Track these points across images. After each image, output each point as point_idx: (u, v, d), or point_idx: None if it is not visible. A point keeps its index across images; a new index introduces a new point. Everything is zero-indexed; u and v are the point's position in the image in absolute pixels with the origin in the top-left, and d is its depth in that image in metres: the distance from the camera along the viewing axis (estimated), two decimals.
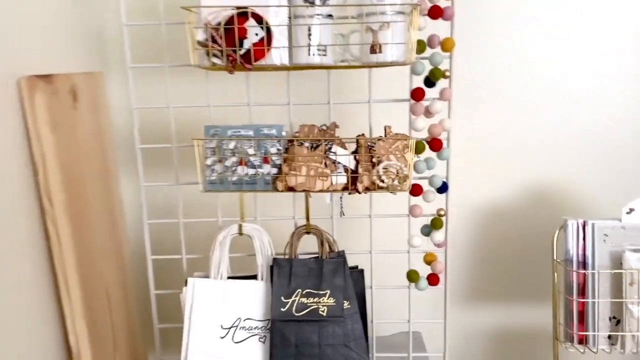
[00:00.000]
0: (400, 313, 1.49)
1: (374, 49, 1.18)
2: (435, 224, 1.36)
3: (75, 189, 1.28)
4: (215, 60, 1.20)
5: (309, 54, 1.17)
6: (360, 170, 1.24)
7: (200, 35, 1.18)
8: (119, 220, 1.55)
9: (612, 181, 1.67)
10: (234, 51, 1.17)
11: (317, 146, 1.24)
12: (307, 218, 1.37)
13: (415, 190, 1.31)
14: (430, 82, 1.31)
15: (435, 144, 1.30)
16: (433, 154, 1.33)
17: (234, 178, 1.26)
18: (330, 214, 1.41)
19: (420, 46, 1.24)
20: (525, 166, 1.67)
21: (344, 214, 1.33)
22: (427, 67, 1.29)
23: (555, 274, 1.49)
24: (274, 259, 1.34)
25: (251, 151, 1.25)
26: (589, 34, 1.58)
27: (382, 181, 1.24)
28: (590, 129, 1.63)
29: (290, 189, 1.25)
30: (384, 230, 1.43)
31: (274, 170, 1.26)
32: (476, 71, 1.60)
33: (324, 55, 1.18)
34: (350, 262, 1.37)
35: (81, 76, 1.37)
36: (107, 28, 1.59)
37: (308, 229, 1.37)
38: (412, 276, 1.39)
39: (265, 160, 1.25)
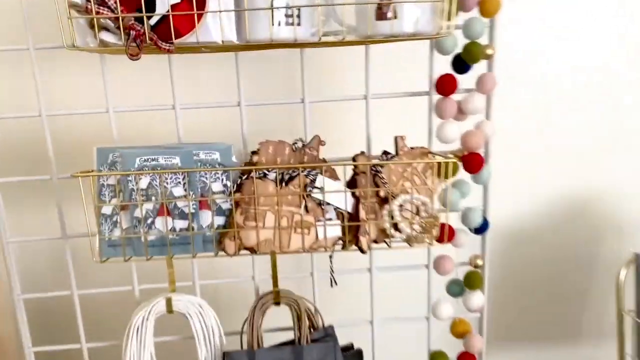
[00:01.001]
0: None
1: (383, 12, 0.69)
2: (471, 280, 0.89)
3: None
4: (105, 36, 0.68)
5: (273, 24, 0.67)
6: (362, 212, 0.76)
7: None
8: None
9: None
10: (139, 21, 0.66)
11: (292, 179, 0.74)
12: (275, 281, 0.87)
13: (447, 235, 0.84)
14: (461, 64, 0.82)
15: (473, 162, 0.83)
16: (465, 175, 0.86)
17: (152, 237, 0.75)
18: (310, 270, 0.92)
19: (452, 7, 0.75)
20: (556, 176, 1.23)
21: (335, 283, 0.84)
22: (459, 42, 0.81)
23: (622, 326, 1.07)
24: (226, 354, 0.85)
25: (178, 191, 0.74)
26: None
27: (399, 229, 0.76)
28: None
29: (249, 250, 0.76)
30: (390, 288, 0.95)
31: (220, 221, 0.76)
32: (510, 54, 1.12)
33: (297, 25, 0.68)
34: (342, 338, 0.90)
35: None
36: None
37: (277, 299, 0.88)
38: None
39: (204, 205, 0.75)
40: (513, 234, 1.27)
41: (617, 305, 1.06)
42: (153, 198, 0.73)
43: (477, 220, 0.86)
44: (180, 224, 0.74)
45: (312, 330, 0.89)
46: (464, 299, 0.91)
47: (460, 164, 0.83)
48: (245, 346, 0.87)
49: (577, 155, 1.21)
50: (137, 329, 0.85)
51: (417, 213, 0.79)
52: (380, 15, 0.69)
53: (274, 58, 0.99)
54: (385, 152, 0.82)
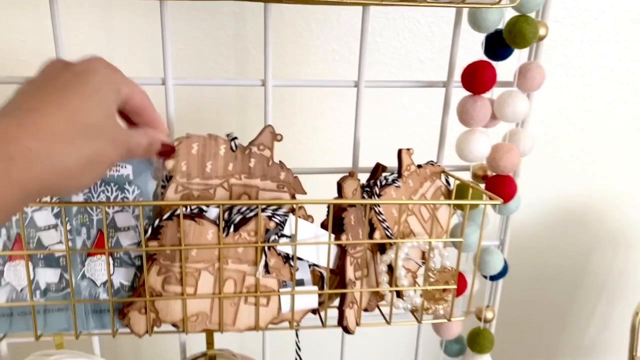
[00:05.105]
0: None
1: None
2: (480, 342, 0.66)
3: None
4: None
5: None
6: (349, 270, 0.49)
7: None
8: None
9: None
10: None
11: (245, 220, 0.46)
12: (210, 339, 0.60)
13: (460, 289, 0.59)
14: (500, 48, 0.56)
15: (504, 188, 0.58)
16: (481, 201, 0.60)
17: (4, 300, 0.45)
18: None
19: None
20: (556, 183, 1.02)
21: None
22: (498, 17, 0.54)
23: None
24: None
25: (42, 219, 0.44)
26: None
27: (402, 296, 0.51)
28: None
29: (173, 326, 0.48)
30: (365, 344, 0.71)
31: (125, 277, 0.47)
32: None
33: None
34: None
35: None
36: None
37: None
38: None
39: (99, 247, 0.46)
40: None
41: (630, 352, 0.87)
42: (8, 237, 0.43)
43: (497, 267, 0.62)
44: (48, 275, 0.45)
45: None
46: None
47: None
48: None
49: (582, 162, 1.00)
50: None
51: (424, 262, 0.53)
52: None
53: (223, 12, 0.68)
54: (380, 167, 0.56)
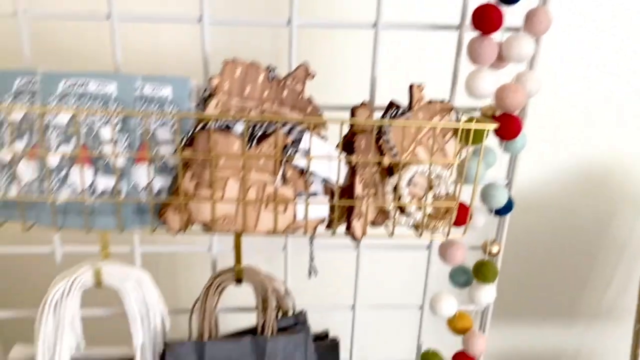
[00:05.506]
0: None
1: None
2: (484, 271, 0.71)
3: None
4: None
5: None
6: (358, 187, 0.55)
7: None
8: None
9: None
10: None
11: (266, 135, 0.53)
12: (238, 256, 0.68)
13: (460, 217, 0.64)
14: None
15: (509, 125, 0.63)
16: (491, 140, 0.65)
17: (61, 199, 0.53)
18: (284, 243, 0.73)
19: None
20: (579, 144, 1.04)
21: (316, 271, 0.64)
22: None
23: None
24: (167, 345, 0.67)
25: (106, 133, 0.52)
26: None
27: (406, 213, 0.57)
28: None
29: (203, 226, 0.55)
30: (378, 271, 0.77)
31: (163, 183, 0.55)
32: None
33: None
34: (316, 325, 0.73)
35: None
36: None
37: (239, 275, 0.69)
38: None
39: (142, 157, 0.54)
40: (519, 200, 1.09)
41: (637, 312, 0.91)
42: (66, 140, 0.51)
43: (501, 200, 0.67)
44: (104, 182, 0.53)
45: (280, 315, 0.72)
46: (471, 292, 0.73)
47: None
48: (194, 333, 0.69)
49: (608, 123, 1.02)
50: (55, 304, 0.66)
51: (430, 188, 0.59)
52: None
53: None
54: (394, 105, 0.61)
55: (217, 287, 0.69)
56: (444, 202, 0.57)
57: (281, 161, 0.52)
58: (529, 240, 1.12)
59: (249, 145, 0.52)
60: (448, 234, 0.57)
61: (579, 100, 0.98)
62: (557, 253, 1.14)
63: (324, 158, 0.53)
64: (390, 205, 0.56)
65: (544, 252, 1.13)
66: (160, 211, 0.54)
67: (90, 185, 0.53)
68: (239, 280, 0.70)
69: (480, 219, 0.69)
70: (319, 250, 0.66)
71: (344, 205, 0.55)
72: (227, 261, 0.69)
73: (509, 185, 0.71)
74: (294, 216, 0.54)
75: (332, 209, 0.57)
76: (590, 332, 1.25)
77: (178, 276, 0.81)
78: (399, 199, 0.56)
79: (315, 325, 0.73)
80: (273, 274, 0.71)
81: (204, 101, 0.53)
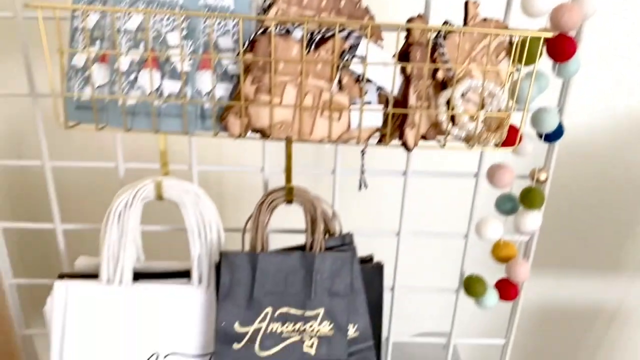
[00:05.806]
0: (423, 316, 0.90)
1: None
2: (531, 198, 0.72)
3: None
4: None
5: None
6: (412, 97, 0.57)
7: None
8: None
9: None
10: None
11: (324, 40, 0.54)
12: (289, 176, 0.71)
13: (510, 138, 0.65)
14: None
15: (563, 46, 0.62)
16: (544, 64, 0.65)
17: (132, 101, 0.57)
18: (333, 166, 0.75)
19: None
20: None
21: (366, 185, 0.66)
22: None
23: None
24: (223, 254, 0.70)
25: (173, 39, 0.55)
26: None
27: (457, 124, 0.58)
28: None
29: (258, 133, 0.58)
30: (424, 198, 0.79)
31: (224, 90, 0.57)
32: None
33: None
34: (361, 249, 0.75)
35: None
36: None
37: (289, 196, 0.72)
38: (474, 287, 0.78)
39: (205, 64, 0.56)
40: (568, 146, 1.08)
41: None
42: (137, 46, 0.54)
43: (551, 125, 0.67)
44: (170, 86, 0.56)
45: (327, 236, 0.74)
46: (516, 219, 0.74)
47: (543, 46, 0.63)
48: (247, 247, 0.72)
49: None
50: (119, 214, 0.71)
51: (483, 106, 0.60)
52: None
53: None
54: (447, 22, 0.62)
55: (270, 204, 0.72)
56: (497, 113, 0.57)
57: (338, 66, 0.54)
58: (574, 189, 1.12)
59: (308, 50, 0.53)
60: (498, 146, 0.58)
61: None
62: (602, 204, 1.13)
63: (379, 65, 0.54)
64: (443, 116, 0.57)
65: (589, 201, 1.12)
66: (222, 116, 0.57)
67: (157, 89, 0.56)
68: (289, 201, 0.73)
69: (529, 144, 0.70)
70: (367, 175, 0.68)
71: (397, 113, 0.57)
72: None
73: (560, 111, 0.71)
74: (348, 124, 0.56)
75: (384, 123, 0.59)
76: (632, 288, 1.23)
77: (221, 195, 0.84)
78: (452, 109, 0.57)
79: (360, 249, 0.75)
80: (321, 196, 0.73)
81: (264, 12, 0.55)
